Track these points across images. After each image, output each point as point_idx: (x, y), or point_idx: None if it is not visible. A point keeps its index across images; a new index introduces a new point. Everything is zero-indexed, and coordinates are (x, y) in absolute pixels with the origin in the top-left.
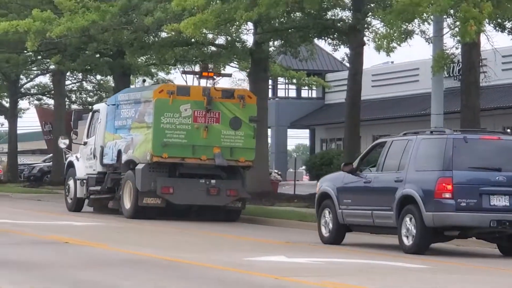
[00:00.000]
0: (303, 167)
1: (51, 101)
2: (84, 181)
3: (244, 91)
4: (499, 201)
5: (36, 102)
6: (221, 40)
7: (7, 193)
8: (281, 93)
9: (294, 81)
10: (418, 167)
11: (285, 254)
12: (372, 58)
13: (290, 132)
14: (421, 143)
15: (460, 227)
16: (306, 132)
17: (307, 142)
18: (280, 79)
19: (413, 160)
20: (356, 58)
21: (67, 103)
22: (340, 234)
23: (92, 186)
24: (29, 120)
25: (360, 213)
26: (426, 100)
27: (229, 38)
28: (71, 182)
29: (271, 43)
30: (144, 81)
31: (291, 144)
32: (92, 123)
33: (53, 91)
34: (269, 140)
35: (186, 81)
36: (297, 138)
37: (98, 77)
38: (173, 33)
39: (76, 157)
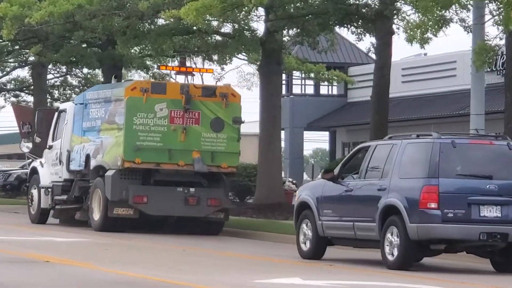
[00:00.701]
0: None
1: (30, 98)
2: (49, 189)
3: (227, 88)
4: (490, 212)
5: (13, 99)
6: (227, 28)
7: None
8: (296, 90)
9: (312, 75)
10: (402, 174)
11: (299, 276)
12: (402, 49)
13: (307, 134)
14: (406, 148)
15: (446, 240)
16: (325, 135)
17: (326, 146)
18: (296, 73)
19: (397, 167)
20: (384, 49)
21: (48, 100)
22: (320, 248)
23: (58, 195)
24: (4, 120)
25: (341, 224)
26: (465, 98)
27: (237, 26)
28: (34, 191)
29: (285, 31)
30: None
31: (308, 149)
32: (58, 125)
33: (32, 87)
34: (283, 144)
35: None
36: (315, 141)
37: (85, 70)
38: (171, 20)
39: (41, 162)
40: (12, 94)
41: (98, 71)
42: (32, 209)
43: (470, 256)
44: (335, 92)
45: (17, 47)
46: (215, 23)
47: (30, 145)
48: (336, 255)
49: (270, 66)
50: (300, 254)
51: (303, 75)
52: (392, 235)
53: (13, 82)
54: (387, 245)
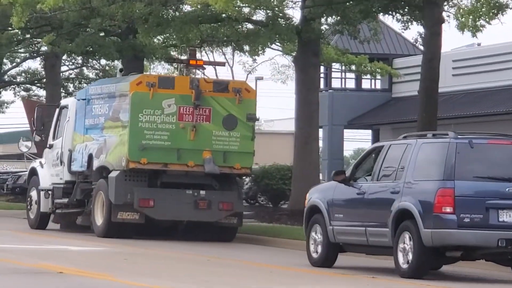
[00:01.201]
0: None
1: (42, 92)
2: (49, 192)
3: (240, 83)
4: (509, 217)
5: (23, 93)
6: (260, 15)
7: None
8: (336, 84)
9: (353, 68)
10: (417, 176)
11: None
12: (452, 39)
13: (348, 133)
14: (421, 148)
15: (463, 247)
16: (367, 133)
17: (368, 145)
18: (335, 66)
19: (411, 168)
20: (433, 39)
21: (62, 94)
22: (332, 255)
23: (59, 198)
24: (14, 116)
25: (352, 230)
26: None
27: (270, 13)
28: (33, 194)
29: (323, 19)
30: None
31: (348, 149)
32: (59, 122)
33: (44, 79)
34: (321, 144)
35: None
36: (356, 140)
37: (103, 61)
38: (198, 6)
39: (40, 163)
40: (22, 87)
41: (117, 63)
42: (31, 213)
43: (489, 264)
44: (378, 86)
45: (28, 36)
46: (246, 10)
47: (29, 144)
48: (349, 262)
49: (307, 58)
50: (310, 261)
51: (343, 68)
52: (405, 241)
53: (23, 74)
54: (400, 252)
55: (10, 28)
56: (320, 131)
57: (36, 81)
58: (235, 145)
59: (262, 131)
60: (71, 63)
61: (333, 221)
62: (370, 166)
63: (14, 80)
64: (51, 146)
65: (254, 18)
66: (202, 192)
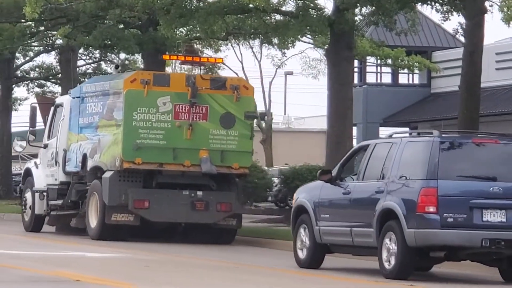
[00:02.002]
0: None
1: (57, 88)
2: (44, 193)
3: (238, 80)
4: (494, 217)
5: (37, 89)
6: (289, 6)
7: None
8: (371, 78)
9: (389, 61)
10: (401, 176)
11: None
12: (496, 30)
13: (383, 131)
14: (406, 147)
15: (446, 247)
16: (405, 132)
17: None
18: (370, 59)
19: (395, 167)
20: (474, 30)
21: None
22: (318, 255)
23: (53, 199)
24: (27, 114)
25: (338, 230)
26: None
27: (301, 3)
28: (28, 195)
29: (357, 9)
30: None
31: None
32: (54, 121)
33: (60, 75)
34: (354, 142)
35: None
36: None
37: (122, 55)
38: None
39: (35, 163)
40: (36, 83)
41: (138, 57)
42: (26, 216)
43: (478, 265)
44: (416, 81)
45: (42, 28)
46: (275, 0)
47: (24, 144)
48: (335, 264)
49: (339, 51)
50: (297, 262)
51: (378, 62)
52: (389, 241)
53: (37, 69)
54: (385, 253)
55: (23, 20)
56: (354, 129)
57: (50, 77)
58: (233, 144)
59: (292, 129)
60: (88, 57)
61: (319, 221)
62: (357, 165)
63: (27, 76)
64: (46, 146)
65: (284, 8)
66: (199, 193)
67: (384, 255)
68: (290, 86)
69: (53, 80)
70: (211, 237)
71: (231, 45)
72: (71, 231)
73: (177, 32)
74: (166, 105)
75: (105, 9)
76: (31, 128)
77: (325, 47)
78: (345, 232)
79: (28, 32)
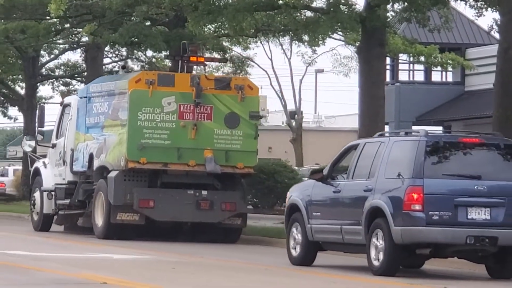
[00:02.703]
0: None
1: (82, 87)
2: (52, 193)
3: (243, 79)
4: (478, 214)
5: (62, 88)
6: (320, 2)
7: (21, 214)
8: (403, 76)
9: (422, 59)
10: (388, 174)
11: None
12: None
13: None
14: (394, 146)
15: (432, 244)
16: (438, 130)
17: None
18: (402, 57)
19: (383, 166)
20: (509, 26)
21: None
22: (310, 253)
23: (61, 199)
24: (52, 113)
25: (329, 228)
26: None
27: None
28: (36, 195)
29: (389, 5)
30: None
31: None
32: (62, 120)
33: (85, 73)
34: None
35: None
36: None
37: (149, 53)
38: None
39: (44, 163)
40: (61, 82)
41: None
42: (35, 215)
43: (460, 261)
44: (450, 79)
45: (67, 25)
46: None
47: (32, 143)
48: (328, 261)
49: (371, 48)
50: (290, 260)
51: (411, 59)
52: (377, 239)
53: (62, 67)
54: (373, 250)
55: (48, 17)
56: (386, 128)
57: (76, 75)
58: (237, 143)
59: (323, 128)
60: (114, 55)
61: (311, 220)
62: (348, 164)
63: (52, 74)
64: (54, 146)
65: (314, 5)
66: (204, 192)
67: (372, 252)
68: (320, 84)
69: (78, 79)
70: (216, 236)
71: (261, 43)
72: (79, 231)
73: (205, 29)
74: (171, 105)
75: (131, 5)
76: (39, 128)
77: (357, 44)
78: (335, 230)
79: (53, 29)
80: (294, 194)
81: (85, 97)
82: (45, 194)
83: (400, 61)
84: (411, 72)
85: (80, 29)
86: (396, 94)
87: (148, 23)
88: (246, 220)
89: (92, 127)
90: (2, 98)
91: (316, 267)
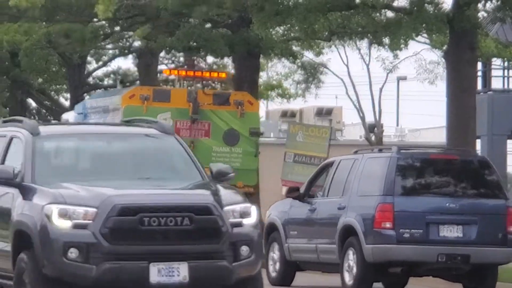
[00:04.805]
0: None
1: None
2: None
3: (243, 95)
4: (450, 232)
5: None
6: (402, 0)
7: None
8: (497, 84)
9: None
10: (361, 192)
11: None
12: None
13: None
14: (366, 163)
15: (403, 262)
16: None
17: None
18: (496, 62)
19: (356, 183)
20: None
21: None
22: (288, 273)
23: None
24: None
25: (305, 247)
26: None
27: None
28: None
29: (480, 4)
30: (121, 81)
31: None
32: None
33: (138, 81)
34: None
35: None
36: None
37: (210, 59)
38: None
39: None
40: None
41: (228, 60)
42: None
43: (439, 281)
44: None
45: (117, 28)
46: None
47: None
48: (308, 281)
49: (460, 52)
50: (269, 280)
51: (505, 64)
52: (350, 257)
53: (112, 76)
54: (346, 269)
55: (95, 20)
56: (478, 142)
57: (128, 84)
58: (237, 161)
59: (406, 142)
60: (170, 61)
61: (288, 239)
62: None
63: (100, 83)
64: None
65: (395, 4)
66: None
67: (345, 271)
68: (403, 93)
69: (130, 87)
70: None
71: (335, 47)
72: None
73: (273, 32)
74: (167, 121)
75: (189, 6)
76: None
77: (444, 47)
78: (311, 249)
79: (101, 33)
80: (273, 213)
81: (81, 113)
82: None
83: (493, 66)
84: (506, 78)
85: (132, 33)
86: (488, 103)
87: (208, 26)
88: None
89: None
90: (45, 111)
91: (296, 287)
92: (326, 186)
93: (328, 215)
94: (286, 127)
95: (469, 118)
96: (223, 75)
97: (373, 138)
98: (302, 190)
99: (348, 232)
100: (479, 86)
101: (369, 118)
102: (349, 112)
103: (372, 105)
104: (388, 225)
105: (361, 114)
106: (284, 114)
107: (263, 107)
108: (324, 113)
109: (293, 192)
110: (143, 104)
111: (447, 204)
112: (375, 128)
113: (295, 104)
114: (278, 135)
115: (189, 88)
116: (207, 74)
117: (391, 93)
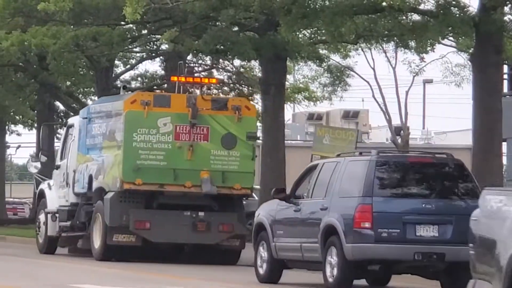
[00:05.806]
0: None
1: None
2: (56, 214)
3: (240, 100)
4: (426, 232)
5: None
6: (428, 4)
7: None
8: None
9: None
10: (342, 193)
11: None
12: None
13: None
14: (348, 166)
15: (381, 261)
16: None
17: None
18: None
19: (337, 185)
20: None
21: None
22: (276, 271)
23: (63, 221)
24: None
25: (290, 246)
26: None
27: (442, 1)
28: (41, 217)
29: (507, 8)
30: (125, 87)
31: None
32: (66, 142)
33: (165, 85)
34: (504, 161)
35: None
36: None
37: (237, 62)
38: None
39: (49, 184)
40: None
41: (255, 63)
42: (40, 237)
43: (419, 279)
44: None
45: (144, 31)
46: None
47: (38, 164)
48: (294, 279)
49: (487, 55)
50: (258, 278)
51: None
52: (331, 256)
53: (139, 79)
54: (328, 266)
55: (123, 23)
56: (504, 145)
57: (155, 87)
58: (234, 164)
59: (432, 145)
60: (197, 65)
61: (275, 238)
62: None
63: (128, 87)
64: (58, 167)
65: (422, 7)
66: (201, 214)
67: (328, 269)
68: (429, 96)
69: (158, 91)
70: (215, 258)
71: (362, 50)
72: (81, 253)
73: (300, 35)
74: (167, 126)
75: (217, 9)
76: (42, 149)
77: (470, 50)
78: (296, 247)
79: (128, 36)
80: (261, 213)
81: (85, 118)
82: (49, 216)
83: None
84: None
85: (159, 36)
86: None
87: (235, 29)
88: (244, 242)
89: (91, 148)
90: (72, 114)
91: (283, 284)
92: (310, 187)
93: (311, 215)
94: (313, 130)
95: (495, 120)
96: (213, 81)
97: (399, 140)
98: (288, 191)
99: (330, 231)
100: (506, 89)
101: (396, 121)
102: (376, 115)
103: (399, 108)
104: (367, 225)
105: (388, 117)
106: (311, 117)
107: (289, 110)
108: (350, 116)
109: (279, 193)
110: (144, 109)
111: (424, 205)
112: (401, 131)
113: (321, 107)
114: (305, 138)
115: (188, 93)
116: (205, 81)
117: (417, 96)
